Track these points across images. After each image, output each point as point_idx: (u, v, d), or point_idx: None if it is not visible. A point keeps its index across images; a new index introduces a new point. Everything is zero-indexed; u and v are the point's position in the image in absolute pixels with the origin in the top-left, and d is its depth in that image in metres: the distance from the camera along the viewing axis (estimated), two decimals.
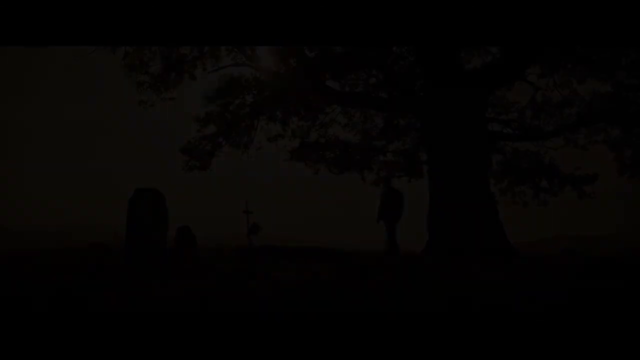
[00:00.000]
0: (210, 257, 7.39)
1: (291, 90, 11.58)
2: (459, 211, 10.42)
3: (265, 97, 12.28)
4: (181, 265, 5.51)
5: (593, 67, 11.64)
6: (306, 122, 14.31)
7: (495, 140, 13.54)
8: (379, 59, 10.55)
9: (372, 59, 10.61)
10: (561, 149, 13.62)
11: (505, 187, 15.29)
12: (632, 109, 12.64)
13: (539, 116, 13.09)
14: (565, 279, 4.62)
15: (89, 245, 10.36)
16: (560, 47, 10.17)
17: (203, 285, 4.00)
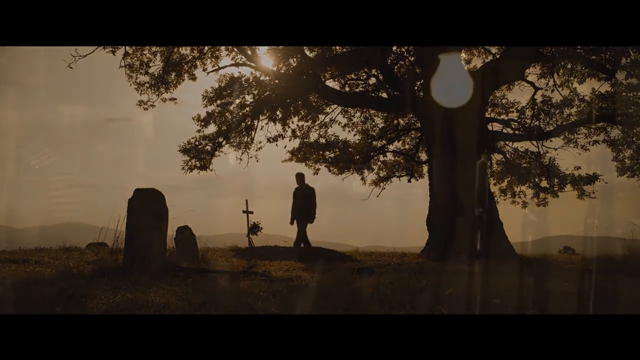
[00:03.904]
0: (211, 258, 7.40)
1: (291, 90, 11.58)
2: (458, 211, 10.40)
3: (265, 97, 12.29)
4: (181, 265, 5.51)
5: (593, 67, 11.65)
6: (306, 122, 14.33)
7: (495, 140, 13.54)
8: (379, 58, 10.55)
9: (372, 58, 10.61)
10: (561, 149, 13.64)
11: (505, 187, 15.31)
12: (632, 109, 12.62)
13: (538, 116, 13.10)
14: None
15: (89, 245, 10.37)
16: (560, 47, 10.17)
17: (203, 286, 4.00)
